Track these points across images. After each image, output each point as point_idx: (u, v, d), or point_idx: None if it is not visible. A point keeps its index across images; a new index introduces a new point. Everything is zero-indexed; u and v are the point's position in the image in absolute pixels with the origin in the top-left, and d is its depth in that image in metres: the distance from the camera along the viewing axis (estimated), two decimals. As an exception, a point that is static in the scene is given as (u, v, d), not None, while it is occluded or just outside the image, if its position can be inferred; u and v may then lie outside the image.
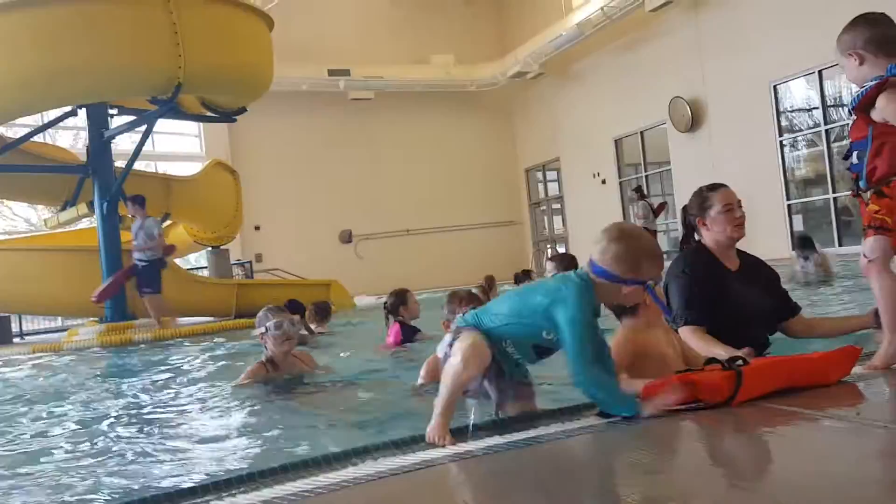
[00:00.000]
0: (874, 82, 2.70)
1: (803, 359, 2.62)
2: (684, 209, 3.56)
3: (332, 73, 19.36)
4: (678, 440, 2.23)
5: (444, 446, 2.20)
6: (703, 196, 3.47)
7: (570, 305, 2.30)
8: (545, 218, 22.55)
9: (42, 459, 2.92)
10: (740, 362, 2.46)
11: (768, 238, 13.54)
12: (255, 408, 3.50)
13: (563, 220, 21.16)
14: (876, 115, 2.71)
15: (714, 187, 3.48)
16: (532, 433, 2.26)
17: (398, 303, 5.62)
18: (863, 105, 2.75)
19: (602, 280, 2.35)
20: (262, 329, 3.93)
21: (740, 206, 3.40)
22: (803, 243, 8.27)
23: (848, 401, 2.43)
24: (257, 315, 4.01)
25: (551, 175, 22.07)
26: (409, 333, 5.46)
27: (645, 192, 15.41)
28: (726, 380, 2.35)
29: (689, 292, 3.29)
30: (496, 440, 2.21)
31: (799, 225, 13.77)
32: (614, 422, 2.30)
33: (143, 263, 9.92)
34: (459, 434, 2.27)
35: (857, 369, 2.67)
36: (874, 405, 2.48)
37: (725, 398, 2.34)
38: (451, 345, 2.39)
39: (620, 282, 2.34)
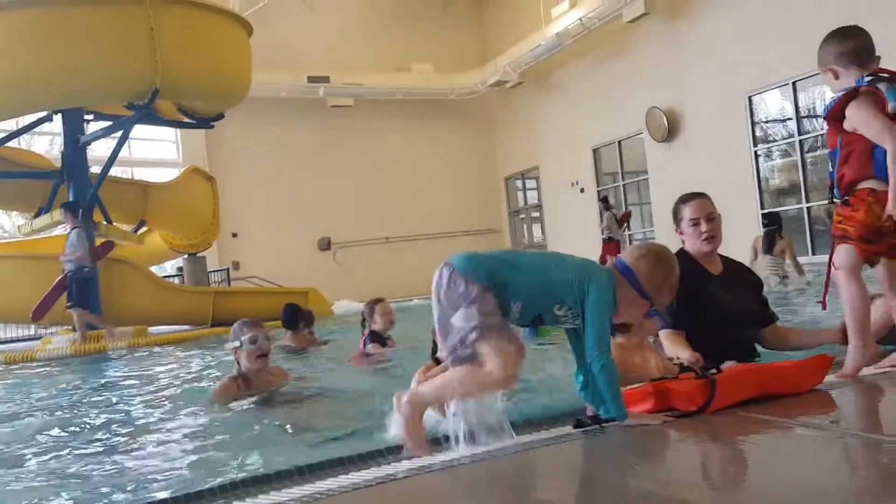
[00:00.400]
0: (843, 92, 2.75)
1: (776, 367, 2.64)
2: None
3: (311, 79, 19.31)
4: (652, 448, 2.23)
5: (420, 456, 2.18)
6: (676, 208, 3.52)
7: (603, 287, 2.29)
8: (524, 226, 22.63)
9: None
10: (714, 371, 2.47)
11: (742, 247, 13.66)
12: (225, 423, 3.44)
13: (542, 229, 21.25)
14: (847, 124, 2.76)
15: (687, 198, 3.50)
16: (507, 442, 2.25)
17: (370, 312, 5.59)
18: (833, 114, 2.80)
19: (624, 280, 2.36)
20: (237, 343, 3.77)
21: (710, 220, 3.39)
22: (772, 221, 8.19)
23: (820, 409, 2.46)
24: (232, 328, 3.89)
25: (530, 183, 22.16)
26: (375, 341, 5.43)
27: (611, 202, 15.78)
28: (700, 388, 2.37)
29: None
30: (470, 450, 2.20)
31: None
32: (588, 431, 2.30)
33: (69, 275, 9.59)
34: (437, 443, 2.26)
35: (829, 378, 2.70)
36: (846, 413, 2.51)
37: (699, 406, 2.35)
38: (477, 335, 2.17)
39: (639, 291, 2.35)
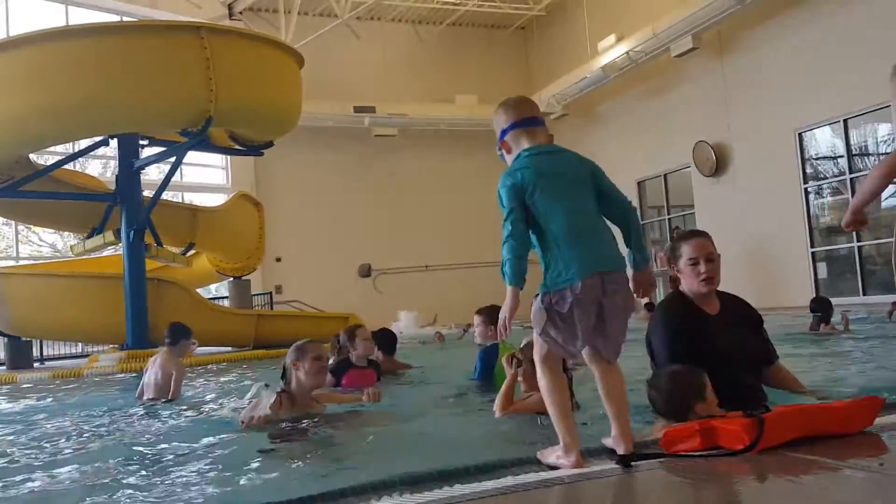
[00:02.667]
0: None
1: (825, 408, 2.60)
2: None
3: (357, 109, 19.64)
4: (697, 487, 2.21)
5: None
6: (674, 245, 3.40)
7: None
8: (566, 258, 22.46)
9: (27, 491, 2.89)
10: (762, 410, 2.44)
11: (792, 286, 13.42)
12: (272, 440, 3.46)
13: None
14: None
15: (686, 236, 3.39)
16: (543, 476, 2.26)
17: (350, 338, 5.42)
18: None
19: None
20: (296, 358, 3.81)
21: (709, 261, 3.23)
22: (821, 308, 7.98)
23: (870, 451, 2.40)
24: (293, 346, 3.90)
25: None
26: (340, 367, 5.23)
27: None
28: (748, 427, 2.34)
29: (671, 345, 3.20)
30: (509, 480, 2.21)
31: (823, 273, 13.64)
32: (630, 466, 2.29)
33: None
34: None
35: (879, 420, 2.64)
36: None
37: (746, 445, 2.32)
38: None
39: None
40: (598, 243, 2.45)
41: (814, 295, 12.84)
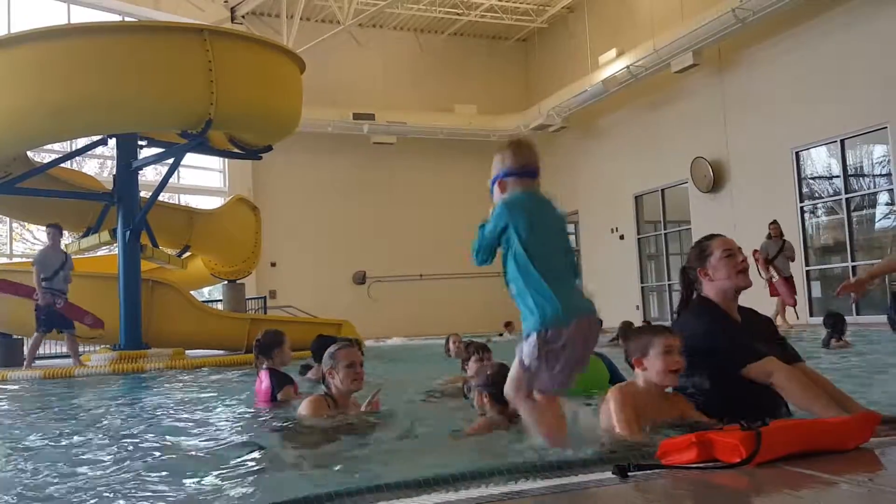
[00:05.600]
0: None
1: (822, 423, 2.60)
2: (684, 268, 3.38)
3: (356, 116, 19.68)
4: (692, 498, 2.20)
5: None
6: (702, 245, 3.31)
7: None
8: (561, 270, 22.49)
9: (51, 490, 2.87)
10: (759, 423, 2.44)
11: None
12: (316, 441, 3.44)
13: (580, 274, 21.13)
14: None
15: (711, 236, 3.34)
16: (539, 484, 2.24)
17: (275, 344, 5.12)
18: None
19: None
20: (329, 366, 3.86)
21: (741, 252, 3.26)
22: (835, 323, 7.94)
23: (866, 466, 2.40)
24: (326, 352, 3.93)
25: (569, 228, 22.11)
26: (281, 382, 4.82)
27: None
28: (745, 440, 2.33)
29: (721, 339, 3.12)
30: (500, 488, 2.20)
31: (817, 292, 13.68)
32: (628, 477, 2.28)
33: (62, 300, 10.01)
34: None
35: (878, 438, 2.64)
36: (891, 472, 2.44)
37: (743, 458, 2.31)
38: None
39: None
40: (578, 290, 2.66)
41: (808, 313, 12.91)
